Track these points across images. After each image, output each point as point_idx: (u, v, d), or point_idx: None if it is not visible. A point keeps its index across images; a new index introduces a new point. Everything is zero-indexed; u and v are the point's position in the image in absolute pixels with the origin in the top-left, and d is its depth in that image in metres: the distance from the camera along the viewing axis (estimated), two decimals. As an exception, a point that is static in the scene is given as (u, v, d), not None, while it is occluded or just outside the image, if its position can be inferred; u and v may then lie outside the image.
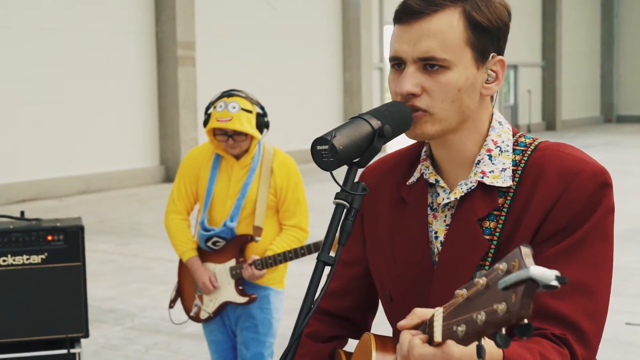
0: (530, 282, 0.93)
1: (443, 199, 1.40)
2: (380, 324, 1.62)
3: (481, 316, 0.98)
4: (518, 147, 1.39)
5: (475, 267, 1.35)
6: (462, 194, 1.38)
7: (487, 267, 1.34)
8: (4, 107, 10.58)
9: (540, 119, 22.93)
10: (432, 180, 1.42)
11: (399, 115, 1.34)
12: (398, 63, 1.37)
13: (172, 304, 3.51)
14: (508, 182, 1.35)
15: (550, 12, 22.58)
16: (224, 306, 3.34)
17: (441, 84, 1.33)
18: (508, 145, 1.39)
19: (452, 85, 1.33)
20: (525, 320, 0.95)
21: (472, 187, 1.37)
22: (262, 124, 3.27)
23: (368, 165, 1.41)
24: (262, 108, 3.31)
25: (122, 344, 4.98)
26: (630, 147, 17.55)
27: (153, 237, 8.13)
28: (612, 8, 25.47)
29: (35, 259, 3.26)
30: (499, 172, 1.36)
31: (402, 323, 1.19)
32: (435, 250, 1.41)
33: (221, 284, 3.32)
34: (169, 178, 12.34)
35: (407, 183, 1.46)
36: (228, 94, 3.27)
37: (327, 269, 1.27)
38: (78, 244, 3.29)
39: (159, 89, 12.50)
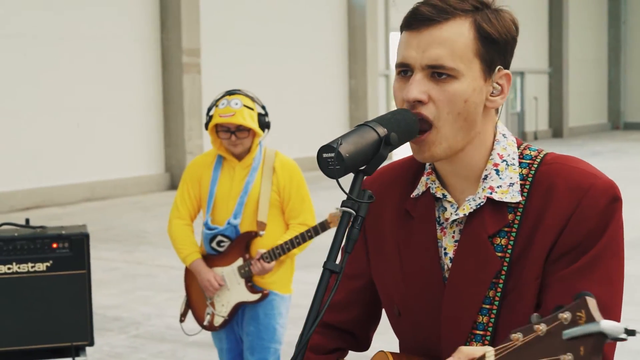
0: (600, 336, 0.93)
1: (451, 214, 1.39)
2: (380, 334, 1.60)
3: None
4: (524, 160, 1.38)
5: (489, 285, 1.34)
6: (471, 210, 1.36)
7: (500, 285, 1.33)
8: (8, 115, 10.60)
9: (547, 126, 22.89)
10: (439, 194, 1.41)
11: (405, 122, 1.33)
12: (405, 70, 1.35)
13: (182, 318, 3.48)
14: (517, 198, 1.34)
15: (557, 18, 22.57)
16: (237, 308, 3.32)
17: (448, 94, 1.32)
18: (514, 159, 1.38)
19: (459, 96, 1.32)
20: None
21: (482, 204, 1.36)
22: (263, 123, 3.30)
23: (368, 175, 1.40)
24: (263, 108, 3.36)
25: (127, 352, 4.96)
26: (638, 154, 17.50)
27: (158, 244, 8.13)
28: (619, 14, 25.44)
29: (40, 266, 3.25)
30: (507, 187, 1.35)
31: None
32: (445, 266, 1.40)
33: (231, 286, 3.31)
34: (174, 185, 12.34)
35: (412, 196, 1.44)
36: (230, 92, 3.31)
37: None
38: (83, 251, 3.28)
39: (164, 96, 12.52)
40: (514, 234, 1.33)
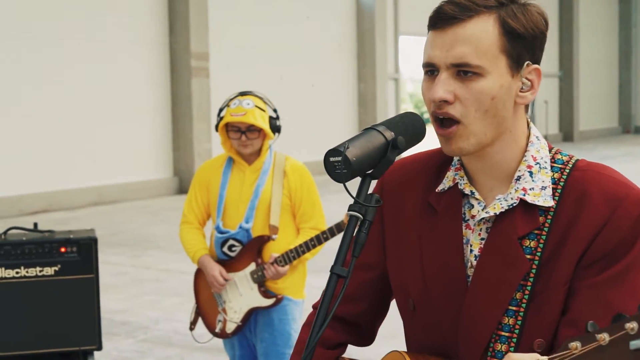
0: None
1: (478, 211, 1.38)
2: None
3: None
4: (556, 165, 1.38)
5: (516, 287, 1.33)
6: (502, 210, 1.36)
7: (528, 288, 1.33)
8: (16, 119, 10.64)
9: (558, 129, 22.81)
10: (467, 191, 1.40)
11: (413, 126, 1.33)
12: (431, 70, 1.35)
13: (192, 326, 3.44)
14: (549, 202, 1.34)
15: (567, 21, 22.49)
16: (250, 314, 3.29)
17: (474, 92, 1.31)
18: (546, 162, 1.38)
19: (486, 93, 1.32)
20: None
21: (514, 204, 1.35)
22: (274, 126, 3.27)
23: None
24: (275, 111, 3.33)
25: (134, 356, 4.95)
26: (648, 158, 17.39)
27: (166, 249, 8.13)
28: (630, 17, 25.33)
29: (49, 270, 3.26)
30: (539, 190, 1.35)
31: None
32: (469, 263, 1.39)
33: (243, 291, 3.27)
34: (182, 190, 12.35)
35: (437, 190, 1.43)
36: (243, 93, 3.29)
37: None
38: (91, 255, 3.29)
39: (172, 100, 12.54)
40: (544, 237, 1.33)
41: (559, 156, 1.39)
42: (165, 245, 8.24)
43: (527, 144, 1.38)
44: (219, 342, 3.49)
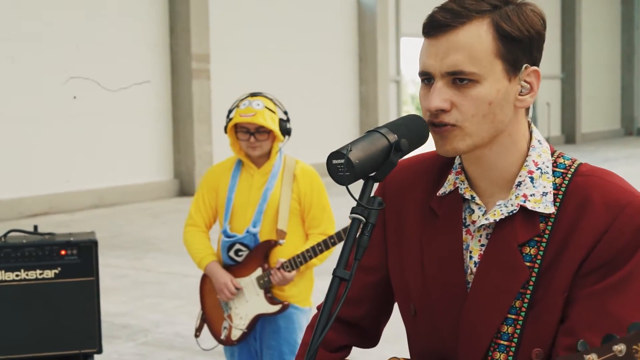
0: None
1: (478, 216, 1.37)
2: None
3: None
4: (557, 169, 1.36)
5: (515, 295, 1.32)
6: (502, 216, 1.34)
7: (527, 296, 1.31)
8: (16, 121, 10.64)
9: (560, 132, 22.79)
10: (467, 195, 1.38)
11: (416, 128, 1.32)
12: (427, 78, 1.34)
13: (197, 333, 3.40)
14: (550, 209, 1.32)
15: (570, 23, 22.48)
16: (256, 320, 3.24)
17: (471, 99, 1.30)
18: (548, 167, 1.36)
19: (483, 100, 1.30)
20: None
21: (514, 211, 1.34)
22: (284, 128, 3.22)
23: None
24: (285, 113, 3.28)
25: None
26: (651, 160, 17.37)
27: (166, 251, 8.11)
28: (632, 19, 25.32)
29: (49, 273, 3.25)
30: (539, 196, 1.33)
31: None
32: (469, 270, 1.37)
33: (249, 297, 3.22)
34: (183, 192, 12.34)
35: (438, 194, 1.42)
36: (253, 94, 3.24)
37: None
38: (92, 258, 3.28)
39: (173, 102, 12.53)
40: (544, 244, 1.31)
41: (561, 160, 1.37)
42: (167, 248, 8.23)
43: (528, 148, 1.37)
44: (221, 346, 3.47)
